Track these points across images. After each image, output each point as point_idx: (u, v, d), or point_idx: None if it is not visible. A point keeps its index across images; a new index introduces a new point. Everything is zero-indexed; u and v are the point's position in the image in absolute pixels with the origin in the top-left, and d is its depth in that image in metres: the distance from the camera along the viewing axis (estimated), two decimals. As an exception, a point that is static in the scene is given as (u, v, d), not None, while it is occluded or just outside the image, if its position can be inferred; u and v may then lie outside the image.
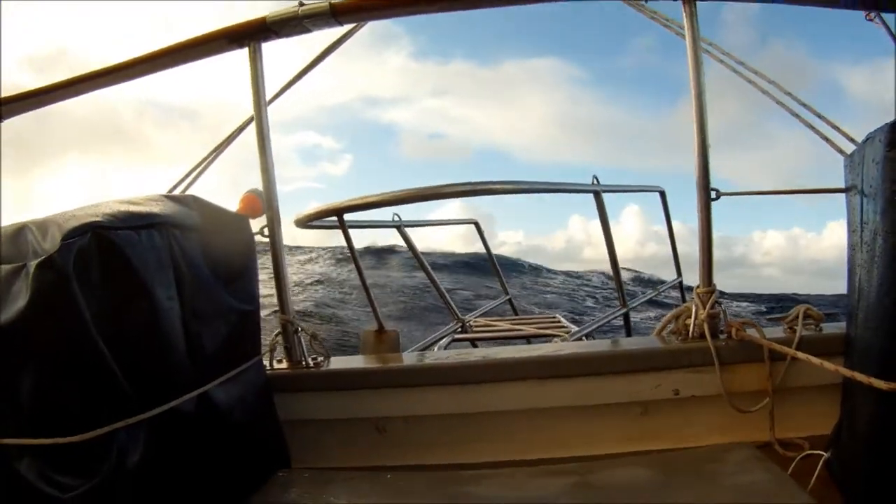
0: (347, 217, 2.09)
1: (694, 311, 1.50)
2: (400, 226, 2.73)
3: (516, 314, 3.99)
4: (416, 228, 3.25)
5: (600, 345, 1.60)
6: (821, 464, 1.24)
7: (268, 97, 1.63)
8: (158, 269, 1.11)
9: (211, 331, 1.27)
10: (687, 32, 1.48)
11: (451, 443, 1.56)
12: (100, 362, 0.97)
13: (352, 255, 2.06)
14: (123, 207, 1.12)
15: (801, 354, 1.34)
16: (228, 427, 1.27)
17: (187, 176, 1.85)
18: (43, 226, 0.98)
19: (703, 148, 1.48)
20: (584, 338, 2.52)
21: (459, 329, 3.15)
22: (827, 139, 1.50)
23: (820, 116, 1.53)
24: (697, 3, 1.46)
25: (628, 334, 2.84)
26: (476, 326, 3.20)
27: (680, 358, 1.47)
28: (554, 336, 2.60)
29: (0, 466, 0.90)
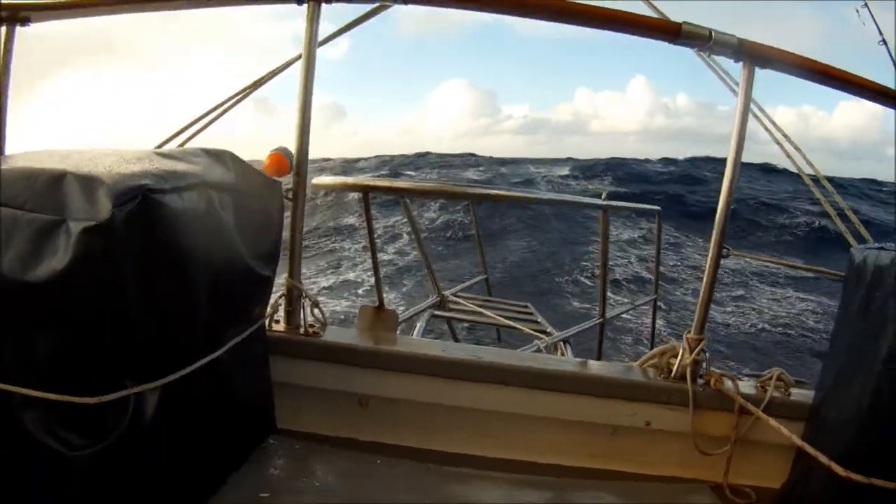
0: None
1: (680, 354, 1.53)
2: (403, 195, 2.71)
3: (490, 294, 4.03)
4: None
5: (589, 366, 1.62)
6: None
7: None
8: (197, 233, 1.04)
9: (231, 296, 1.21)
10: (740, 95, 1.45)
11: (430, 429, 1.56)
12: (129, 329, 0.92)
13: (368, 230, 2.00)
14: (167, 165, 1.03)
15: (766, 417, 1.41)
16: (231, 390, 1.23)
17: (212, 111, 1.72)
18: (87, 181, 0.88)
19: (727, 207, 1.48)
20: (562, 342, 2.57)
21: (439, 303, 3.18)
22: (845, 229, 1.54)
23: (844, 211, 1.55)
24: (756, 69, 1.43)
25: (600, 344, 2.92)
26: (454, 304, 3.23)
27: (659, 394, 1.51)
28: (531, 335, 2.62)
29: (1, 414, 0.84)
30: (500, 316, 3.10)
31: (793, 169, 1.67)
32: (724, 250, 1.49)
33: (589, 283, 10.91)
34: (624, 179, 20.62)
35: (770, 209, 15.92)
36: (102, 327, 0.88)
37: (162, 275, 0.96)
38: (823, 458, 1.19)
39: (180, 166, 1.06)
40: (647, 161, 25.07)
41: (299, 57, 1.52)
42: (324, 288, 9.87)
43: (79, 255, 0.83)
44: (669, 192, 18.06)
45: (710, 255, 1.50)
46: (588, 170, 22.94)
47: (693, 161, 24.48)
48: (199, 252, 1.05)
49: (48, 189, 0.88)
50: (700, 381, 1.53)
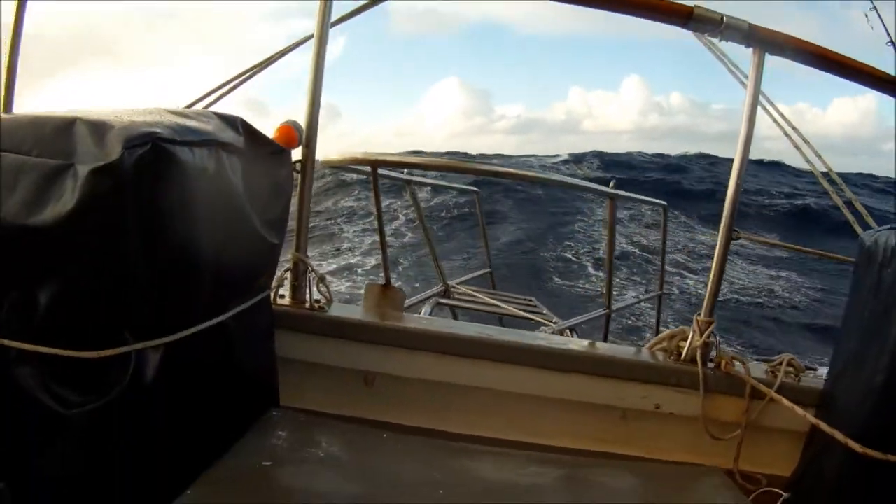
0: None
1: (690, 336, 1.51)
2: (410, 181, 2.66)
3: (494, 288, 4.00)
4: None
5: (597, 347, 1.60)
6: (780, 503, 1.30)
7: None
8: (205, 190, 1.01)
9: (237, 260, 1.17)
10: (750, 81, 1.44)
11: (436, 408, 1.53)
12: (133, 280, 0.89)
13: (376, 207, 1.96)
14: (178, 120, 1.00)
15: (779, 398, 1.38)
16: (235, 358, 1.20)
17: (220, 88, 1.66)
18: (98, 127, 0.85)
19: (737, 191, 1.46)
20: (568, 331, 2.53)
21: (443, 292, 3.14)
22: (853, 218, 1.53)
23: (852, 200, 1.55)
24: (766, 55, 1.41)
25: (605, 335, 2.89)
26: (458, 294, 3.20)
27: (669, 376, 1.49)
28: (539, 323, 2.60)
29: None
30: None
31: (790, 161, 1.69)
32: (734, 233, 1.48)
33: (574, 259, 11.20)
34: (611, 165, 20.78)
35: (752, 192, 16.20)
36: (106, 275, 0.85)
37: (169, 227, 0.93)
38: (840, 436, 1.18)
39: (192, 123, 1.03)
40: (640, 153, 25.21)
41: (311, 36, 1.49)
42: (327, 273, 10.00)
43: (85, 197, 0.80)
44: (657, 177, 18.20)
45: (720, 237, 1.49)
46: (579, 157, 23.24)
47: (684, 157, 24.63)
48: (207, 209, 1.02)
49: (57, 135, 0.85)
50: (710, 364, 1.50)
